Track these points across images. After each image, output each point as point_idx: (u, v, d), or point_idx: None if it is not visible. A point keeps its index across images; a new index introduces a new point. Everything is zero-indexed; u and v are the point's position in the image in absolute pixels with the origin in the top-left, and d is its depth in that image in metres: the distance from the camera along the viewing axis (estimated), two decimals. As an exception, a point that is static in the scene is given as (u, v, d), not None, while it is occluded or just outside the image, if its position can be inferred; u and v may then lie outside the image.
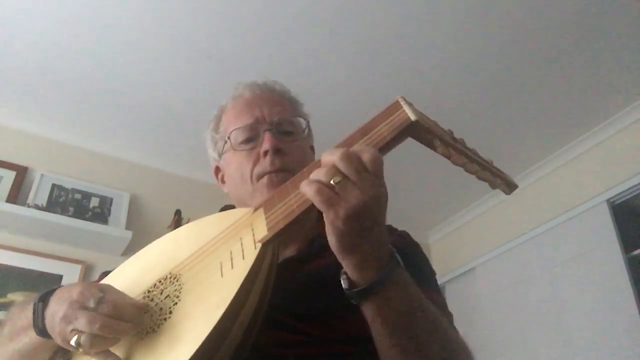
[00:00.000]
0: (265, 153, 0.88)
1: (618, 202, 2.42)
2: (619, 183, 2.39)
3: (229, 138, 0.93)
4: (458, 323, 0.83)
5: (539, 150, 2.69)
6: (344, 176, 0.59)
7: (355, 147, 0.63)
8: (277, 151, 0.88)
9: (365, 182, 0.59)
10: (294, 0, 1.97)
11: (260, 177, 0.89)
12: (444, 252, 3.26)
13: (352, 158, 0.60)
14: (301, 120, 0.98)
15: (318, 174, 0.60)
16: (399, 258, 0.65)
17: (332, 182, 0.59)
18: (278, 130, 0.92)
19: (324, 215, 0.60)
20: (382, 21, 2.04)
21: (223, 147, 0.96)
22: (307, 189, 0.60)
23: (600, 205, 2.43)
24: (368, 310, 0.65)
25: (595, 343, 2.25)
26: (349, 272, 0.64)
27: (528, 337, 2.55)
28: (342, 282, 0.65)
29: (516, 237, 2.80)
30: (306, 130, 0.98)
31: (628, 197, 2.39)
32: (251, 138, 0.92)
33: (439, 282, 3.33)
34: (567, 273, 2.48)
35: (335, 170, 0.60)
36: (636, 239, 2.31)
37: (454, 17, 2.02)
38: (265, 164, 0.88)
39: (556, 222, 2.61)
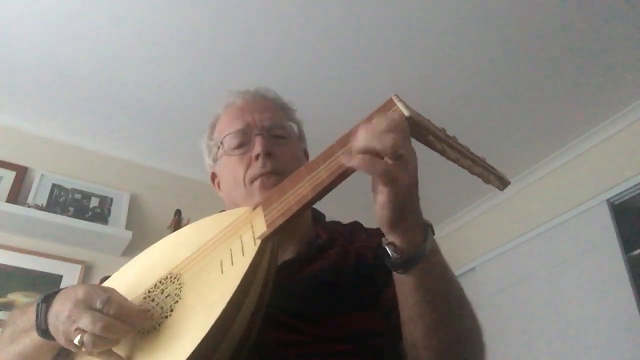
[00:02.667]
0: (257, 157, 0.90)
1: (618, 202, 2.42)
2: (619, 183, 2.39)
3: (221, 143, 0.96)
4: (458, 323, 0.83)
5: (539, 150, 2.69)
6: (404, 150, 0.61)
7: (387, 122, 0.63)
8: (268, 154, 0.90)
9: (413, 156, 0.63)
10: (292, 2, 1.97)
11: (252, 180, 0.91)
12: (444, 252, 3.25)
13: (407, 136, 0.63)
14: (292, 124, 1.00)
15: (387, 143, 0.61)
16: (432, 227, 0.69)
17: (400, 151, 0.60)
18: (269, 135, 0.94)
19: (383, 188, 0.61)
20: (381, 23, 2.04)
21: (217, 153, 0.98)
22: (373, 166, 0.61)
23: (600, 205, 2.43)
24: (412, 278, 0.67)
25: (595, 343, 2.25)
26: (398, 242, 0.65)
27: (528, 337, 2.55)
28: (388, 252, 0.66)
29: (516, 237, 2.80)
30: (298, 135, 1.00)
31: (628, 197, 2.39)
32: (243, 143, 0.94)
33: (439, 281, 3.28)
34: (567, 273, 2.48)
35: (394, 144, 0.61)
36: (636, 239, 2.31)
37: (452, 17, 2.02)
38: (257, 167, 0.90)
39: (556, 222, 2.61)
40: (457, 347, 0.71)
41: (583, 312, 2.34)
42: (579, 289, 2.40)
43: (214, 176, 1.04)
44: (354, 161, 0.61)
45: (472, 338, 0.73)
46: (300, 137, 1.01)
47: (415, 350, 0.73)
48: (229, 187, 0.96)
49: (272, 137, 0.94)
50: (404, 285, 0.69)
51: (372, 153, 0.61)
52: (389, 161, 0.60)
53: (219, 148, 0.97)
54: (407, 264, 0.65)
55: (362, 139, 0.62)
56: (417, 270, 0.66)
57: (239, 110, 0.98)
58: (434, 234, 0.68)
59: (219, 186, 1.03)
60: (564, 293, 2.46)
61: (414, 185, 0.63)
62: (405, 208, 0.63)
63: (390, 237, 0.66)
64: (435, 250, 0.68)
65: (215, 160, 1.00)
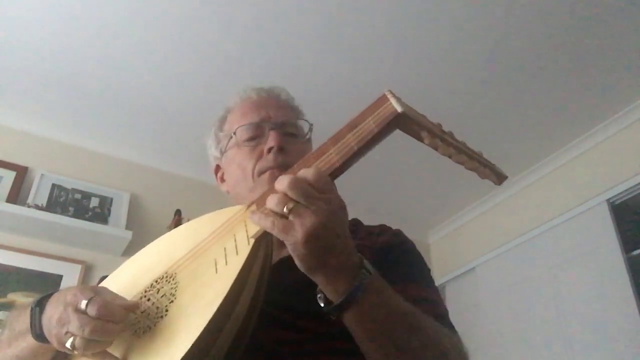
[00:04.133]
0: (269, 150, 0.91)
1: (618, 202, 2.42)
2: (619, 183, 2.39)
3: (234, 133, 0.96)
4: (458, 323, 0.83)
5: (539, 150, 2.69)
6: (295, 202, 0.61)
7: (300, 172, 0.65)
8: (281, 149, 0.91)
9: (316, 202, 0.61)
10: (292, 2, 1.97)
11: (262, 172, 0.91)
12: (444, 252, 3.26)
13: (297, 184, 0.62)
14: (305, 124, 1.01)
15: (271, 204, 0.63)
16: (368, 266, 0.66)
17: (284, 210, 0.61)
18: (283, 131, 0.95)
19: (285, 242, 0.62)
20: (380, 23, 2.04)
21: (227, 144, 0.99)
22: (264, 223, 0.63)
23: (600, 205, 2.43)
24: (347, 322, 0.66)
25: (595, 343, 2.25)
26: (322, 289, 0.65)
27: (528, 337, 2.54)
28: (318, 301, 0.66)
29: (516, 237, 2.80)
30: (308, 134, 1.01)
31: (628, 197, 2.39)
32: (256, 136, 0.95)
33: (439, 282, 3.35)
34: (567, 273, 2.47)
35: (286, 198, 0.62)
36: (636, 239, 2.31)
37: (452, 17, 2.02)
38: (268, 160, 0.91)
39: (556, 222, 2.61)
40: None
41: (583, 312, 2.34)
42: (579, 289, 2.40)
43: (217, 169, 1.04)
44: (258, 218, 0.65)
45: None
46: (309, 139, 1.02)
47: None
48: (235, 179, 0.96)
49: (285, 134, 0.95)
50: (345, 323, 0.67)
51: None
52: (276, 220, 0.61)
53: (230, 138, 0.97)
54: (335, 311, 0.65)
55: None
56: (349, 315, 0.65)
57: (254, 105, 1.00)
58: (368, 272, 0.65)
59: (221, 179, 1.03)
60: (564, 293, 2.46)
61: (318, 239, 0.60)
62: (312, 261, 0.62)
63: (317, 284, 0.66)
64: (370, 292, 0.64)
65: (223, 152, 1.00)
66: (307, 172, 0.64)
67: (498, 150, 2.60)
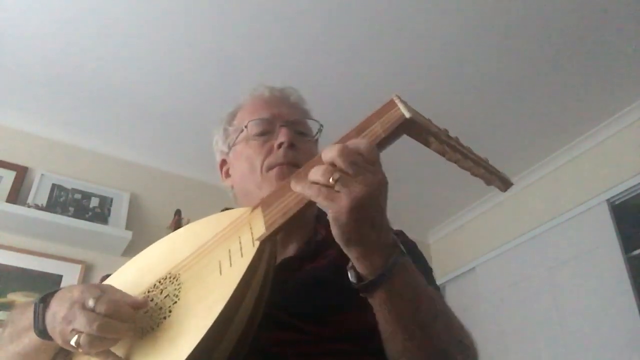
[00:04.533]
0: (280, 145, 0.91)
1: (618, 202, 2.42)
2: (619, 183, 2.39)
3: (245, 127, 0.96)
4: (458, 323, 0.83)
5: (539, 150, 2.69)
6: (342, 172, 0.60)
7: (350, 142, 0.64)
8: (291, 145, 0.91)
9: (364, 173, 0.60)
10: (293, 3, 1.97)
11: (270, 168, 0.91)
12: (444, 252, 3.26)
13: (348, 153, 0.61)
14: (314, 124, 1.02)
15: (316, 175, 0.61)
16: (401, 246, 0.66)
17: (330, 180, 0.60)
18: (293, 129, 0.95)
19: (328, 212, 0.61)
20: (380, 23, 2.04)
21: (236, 138, 0.99)
22: (308, 192, 0.62)
23: (600, 205, 2.43)
24: (376, 300, 0.66)
25: (595, 343, 2.25)
26: (356, 264, 0.64)
27: (528, 337, 2.55)
28: (349, 276, 0.65)
29: (516, 237, 2.80)
30: (317, 135, 1.02)
31: (628, 197, 2.39)
32: (266, 131, 0.95)
33: (439, 282, 3.34)
34: (567, 273, 2.48)
35: (332, 168, 0.61)
36: (636, 239, 2.31)
37: (454, 18, 2.02)
38: (277, 155, 0.91)
39: (556, 222, 2.61)
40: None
41: (583, 312, 2.34)
42: (579, 289, 2.40)
43: (223, 163, 1.04)
44: (303, 187, 0.63)
45: (449, 356, 0.71)
46: (317, 140, 1.03)
47: None
48: (242, 173, 0.96)
49: (296, 132, 0.95)
50: (372, 303, 0.68)
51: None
52: (320, 187, 0.60)
53: (240, 132, 0.97)
54: (366, 289, 0.65)
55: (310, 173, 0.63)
56: (379, 293, 0.64)
57: (266, 102, 1.00)
58: (403, 253, 0.66)
59: (226, 174, 1.03)
60: (564, 293, 2.46)
61: (362, 210, 0.60)
62: (352, 234, 0.61)
63: (350, 258, 0.65)
64: (403, 271, 0.65)
65: (231, 146, 1.00)
66: (357, 142, 0.63)
67: (498, 150, 2.60)
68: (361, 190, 0.59)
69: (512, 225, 2.85)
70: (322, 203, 0.61)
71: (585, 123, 2.51)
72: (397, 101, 0.67)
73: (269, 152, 0.92)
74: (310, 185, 0.61)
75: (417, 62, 2.22)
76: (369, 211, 0.60)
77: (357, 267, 0.65)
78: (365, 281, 0.64)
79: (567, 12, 1.98)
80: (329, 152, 0.62)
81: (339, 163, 0.60)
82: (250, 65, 2.22)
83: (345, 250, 0.64)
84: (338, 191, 0.59)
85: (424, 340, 0.68)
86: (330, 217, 0.61)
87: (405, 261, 0.66)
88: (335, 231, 0.62)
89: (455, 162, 0.67)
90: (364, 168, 0.61)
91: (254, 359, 0.69)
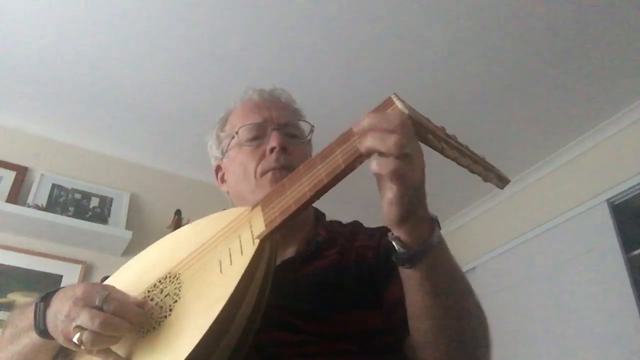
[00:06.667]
0: (272, 150, 0.91)
1: (618, 202, 2.42)
2: (619, 183, 2.39)
3: (236, 133, 0.96)
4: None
5: (539, 150, 2.69)
6: (410, 145, 0.60)
7: (386, 120, 0.62)
8: (283, 149, 0.91)
9: (419, 152, 0.62)
10: (293, 3, 1.97)
11: (264, 173, 0.91)
12: (444, 252, 3.26)
13: (401, 129, 0.60)
14: (306, 125, 1.01)
15: (387, 143, 0.60)
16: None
17: (401, 152, 0.59)
18: (285, 132, 0.95)
19: (392, 186, 0.61)
20: (380, 22, 2.04)
21: (228, 144, 0.98)
22: (385, 165, 0.60)
23: (600, 205, 2.43)
24: (418, 272, 0.66)
25: (595, 343, 2.25)
26: (405, 237, 0.65)
27: (528, 337, 2.55)
28: (395, 247, 0.65)
29: (516, 237, 2.80)
30: (309, 136, 1.01)
31: (628, 197, 2.39)
32: (258, 136, 0.95)
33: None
34: (567, 273, 2.48)
35: (402, 140, 0.60)
36: (636, 239, 2.31)
37: (453, 17, 2.02)
38: (270, 160, 0.91)
39: (556, 222, 2.61)
40: (462, 343, 0.71)
41: (583, 312, 2.34)
42: (579, 289, 2.40)
43: (218, 169, 1.04)
44: (372, 165, 0.61)
45: (477, 334, 0.73)
46: (310, 141, 1.02)
47: (421, 346, 0.72)
48: (236, 179, 0.96)
49: (287, 135, 0.95)
50: (410, 279, 0.68)
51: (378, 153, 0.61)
52: (396, 160, 0.59)
53: (232, 138, 0.97)
54: (413, 258, 0.65)
55: (368, 141, 0.61)
56: (423, 264, 0.65)
57: (256, 106, 1.00)
58: (440, 228, 0.68)
59: (222, 180, 1.03)
60: (564, 293, 2.46)
61: (421, 183, 0.63)
62: (413, 206, 0.63)
63: (396, 233, 0.65)
64: (442, 245, 0.67)
65: (224, 152, 1.00)
66: (406, 122, 0.62)
67: (498, 150, 2.60)
68: (421, 166, 0.62)
69: (513, 225, 2.85)
70: (394, 177, 0.60)
71: (585, 123, 2.51)
72: (394, 99, 0.67)
73: (262, 157, 0.92)
74: (387, 160, 0.60)
75: (417, 62, 2.22)
76: (423, 189, 0.64)
77: (406, 239, 0.65)
78: (412, 250, 0.65)
79: (567, 12, 1.98)
80: (390, 135, 0.60)
81: (404, 142, 0.59)
82: (250, 65, 2.22)
83: (396, 226, 0.64)
84: (406, 167, 0.60)
85: (459, 318, 0.69)
86: (393, 194, 0.61)
87: (442, 238, 0.68)
88: (395, 207, 0.62)
89: (453, 160, 0.67)
90: (417, 147, 0.63)
91: (254, 358, 0.69)
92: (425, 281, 0.67)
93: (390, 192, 0.61)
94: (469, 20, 2.03)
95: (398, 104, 0.66)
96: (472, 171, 0.69)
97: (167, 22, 2.06)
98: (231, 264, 0.66)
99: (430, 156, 0.70)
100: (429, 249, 0.65)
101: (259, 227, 0.68)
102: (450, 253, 0.70)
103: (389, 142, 0.59)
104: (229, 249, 0.68)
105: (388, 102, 0.67)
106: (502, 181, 0.70)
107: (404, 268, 0.67)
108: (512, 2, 1.95)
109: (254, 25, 2.07)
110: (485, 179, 0.70)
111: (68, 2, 1.97)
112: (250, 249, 0.66)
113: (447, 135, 0.68)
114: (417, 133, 0.65)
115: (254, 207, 0.71)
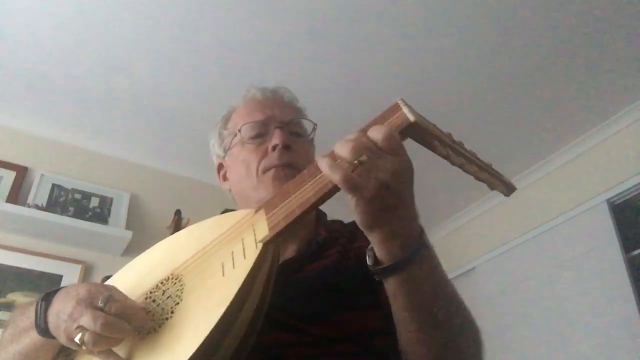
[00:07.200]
0: (274, 147, 0.91)
1: (618, 202, 2.42)
2: (619, 183, 2.39)
3: (239, 131, 0.96)
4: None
5: (539, 150, 2.69)
6: (370, 153, 0.60)
7: (369, 130, 0.63)
8: (286, 147, 0.91)
9: (384, 161, 0.60)
10: (293, 3, 1.97)
11: (266, 170, 0.91)
12: (444, 252, 3.23)
13: (367, 141, 0.61)
14: (309, 123, 1.01)
15: (344, 150, 0.60)
16: (427, 240, 0.66)
17: (355, 161, 0.60)
18: (288, 130, 0.95)
19: (350, 196, 0.61)
20: (381, 25, 2.04)
21: (231, 142, 0.98)
22: (333, 175, 0.60)
23: (600, 205, 2.43)
24: (390, 285, 0.66)
25: (595, 343, 2.25)
26: (375, 248, 0.65)
27: (528, 337, 2.55)
28: (367, 258, 0.66)
29: (516, 237, 2.80)
30: (312, 134, 1.01)
31: (628, 197, 2.39)
32: (261, 134, 0.95)
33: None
34: (567, 273, 2.48)
35: (359, 148, 0.60)
36: (636, 239, 2.31)
37: (453, 18, 2.02)
38: (273, 157, 0.91)
39: (556, 222, 2.61)
40: (445, 355, 0.70)
41: (583, 312, 2.34)
42: (579, 289, 2.40)
43: (220, 167, 1.04)
44: (321, 164, 0.61)
45: (461, 348, 0.72)
46: (312, 139, 1.02)
47: (404, 350, 0.73)
48: (239, 176, 0.96)
49: (290, 133, 0.95)
50: (387, 289, 0.68)
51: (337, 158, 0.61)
52: (347, 165, 0.59)
53: (235, 136, 0.97)
54: (382, 273, 0.65)
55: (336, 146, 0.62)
56: (394, 280, 0.65)
57: (259, 104, 1.00)
58: (424, 246, 0.65)
59: (224, 177, 1.03)
60: (564, 293, 2.46)
61: (387, 196, 0.60)
62: (376, 218, 0.61)
63: (370, 241, 0.65)
64: (422, 263, 0.65)
65: (226, 150, 1.00)
66: (375, 129, 0.62)
67: (498, 150, 2.60)
68: (381, 177, 0.59)
69: (512, 225, 2.85)
70: (346, 188, 0.60)
71: (585, 123, 2.51)
72: (401, 105, 0.66)
73: (265, 154, 0.92)
74: (336, 167, 0.60)
75: (417, 62, 2.22)
76: (388, 200, 0.60)
77: (376, 251, 0.65)
78: (380, 266, 0.64)
79: (567, 12, 1.98)
80: (352, 136, 0.61)
81: (359, 148, 0.60)
82: (250, 65, 2.22)
83: (366, 235, 0.64)
84: (360, 176, 0.59)
85: (438, 334, 0.68)
86: (352, 202, 0.61)
87: (427, 254, 0.66)
88: (357, 217, 0.62)
89: (459, 167, 0.67)
90: (383, 157, 0.61)
91: (253, 359, 0.69)
92: (397, 296, 0.66)
93: (350, 200, 0.61)
94: (470, 21, 2.03)
95: (404, 109, 0.65)
96: (478, 178, 0.68)
97: (168, 23, 2.05)
98: (234, 267, 0.66)
99: (430, 157, 0.69)
100: (397, 268, 0.63)
101: (262, 231, 0.67)
102: (434, 270, 0.67)
103: (344, 147, 0.60)
104: (232, 252, 0.68)
105: (395, 108, 0.67)
106: (508, 189, 0.70)
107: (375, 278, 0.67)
108: (512, 2, 1.95)
109: (255, 25, 2.06)
110: (491, 187, 0.69)
111: (68, 2, 1.97)
112: (253, 253, 0.66)
113: (454, 141, 0.68)
114: (423, 140, 0.65)
115: (257, 210, 0.71)
